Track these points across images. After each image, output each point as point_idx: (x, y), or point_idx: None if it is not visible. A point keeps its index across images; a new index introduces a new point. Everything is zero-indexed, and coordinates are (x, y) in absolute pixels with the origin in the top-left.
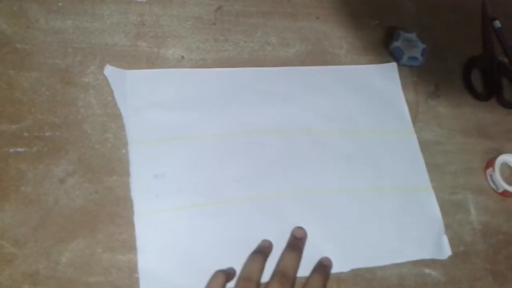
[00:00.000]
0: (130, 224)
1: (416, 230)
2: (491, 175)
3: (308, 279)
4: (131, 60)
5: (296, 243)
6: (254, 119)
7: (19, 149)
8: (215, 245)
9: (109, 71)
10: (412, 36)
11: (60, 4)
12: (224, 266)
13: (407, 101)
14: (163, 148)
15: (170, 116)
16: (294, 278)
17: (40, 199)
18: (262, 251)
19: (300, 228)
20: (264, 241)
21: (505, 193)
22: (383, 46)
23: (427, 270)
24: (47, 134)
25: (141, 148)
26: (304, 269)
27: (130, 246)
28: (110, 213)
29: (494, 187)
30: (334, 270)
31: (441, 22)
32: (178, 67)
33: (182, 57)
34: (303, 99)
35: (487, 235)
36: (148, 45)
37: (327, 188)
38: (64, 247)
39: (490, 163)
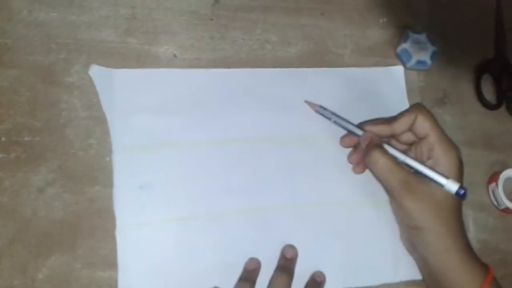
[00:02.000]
0: (112, 238)
1: None
2: (493, 191)
3: None
4: (120, 58)
5: (287, 264)
6: (249, 125)
7: None
8: (202, 262)
9: (95, 71)
10: (422, 37)
11: None
12: (210, 284)
13: None
14: (150, 156)
15: (159, 121)
16: None
17: (17, 210)
18: (249, 277)
19: (291, 246)
20: (251, 261)
21: (506, 211)
22: (391, 46)
23: None
24: (26, 139)
25: (127, 156)
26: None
27: (111, 262)
28: (91, 226)
29: (496, 203)
30: None
31: (454, 21)
32: (170, 66)
33: (175, 55)
34: (302, 104)
35: (484, 253)
36: (138, 41)
37: (321, 202)
38: (41, 262)
39: (493, 178)
